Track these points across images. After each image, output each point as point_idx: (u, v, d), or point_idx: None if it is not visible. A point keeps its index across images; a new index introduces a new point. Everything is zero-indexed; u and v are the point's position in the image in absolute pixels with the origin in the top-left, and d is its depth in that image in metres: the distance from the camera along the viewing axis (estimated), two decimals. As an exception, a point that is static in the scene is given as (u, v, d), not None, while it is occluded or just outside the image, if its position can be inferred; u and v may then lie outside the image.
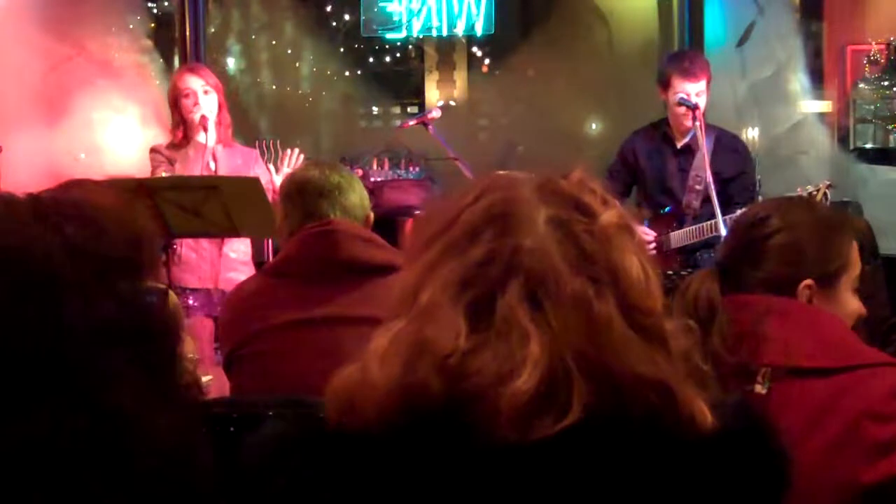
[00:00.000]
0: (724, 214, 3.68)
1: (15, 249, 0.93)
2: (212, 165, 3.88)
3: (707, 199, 3.95)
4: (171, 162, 3.89)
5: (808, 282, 1.68)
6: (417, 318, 1.02)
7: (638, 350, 1.00)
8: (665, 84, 4.00)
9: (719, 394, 1.08)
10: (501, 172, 1.12)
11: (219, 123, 3.92)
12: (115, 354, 0.93)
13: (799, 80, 6.51)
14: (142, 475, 0.91)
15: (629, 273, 1.02)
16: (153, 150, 4.02)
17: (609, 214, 1.04)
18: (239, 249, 3.93)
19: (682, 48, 5.89)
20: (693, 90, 3.92)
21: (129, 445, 0.91)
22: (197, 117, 3.85)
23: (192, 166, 3.82)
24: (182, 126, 3.92)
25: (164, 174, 3.82)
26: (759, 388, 1.56)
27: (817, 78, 6.69)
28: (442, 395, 0.97)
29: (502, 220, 1.03)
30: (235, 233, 3.48)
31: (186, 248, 3.85)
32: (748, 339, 1.60)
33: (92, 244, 0.96)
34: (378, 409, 1.00)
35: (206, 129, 3.83)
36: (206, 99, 3.89)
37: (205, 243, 3.83)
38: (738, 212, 3.62)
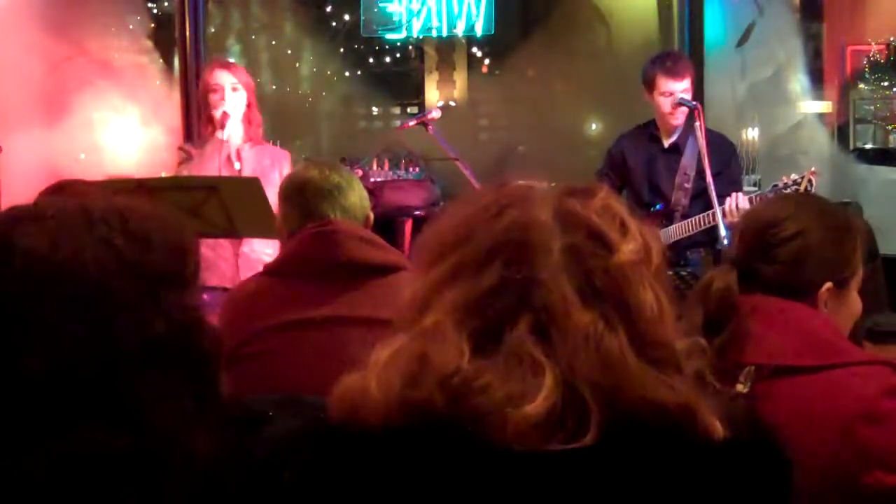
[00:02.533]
0: (711, 208, 3.78)
1: (69, 262, 0.90)
2: (236, 165, 3.85)
3: (695, 197, 4.02)
4: (190, 158, 3.86)
5: (829, 285, 1.67)
6: (420, 336, 1.01)
7: (652, 379, 0.99)
8: (650, 85, 4.04)
9: (728, 405, 1.08)
10: (520, 184, 1.09)
11: (247, 122, 3.88)
12: (162, 374, 0.90)
13: (799, 81, 6.51)
14: (178, 495, 0.89)
15: (642, 309, 1.01)
16: (179, 148, 4.00)
17: (626, 249, 1.02)
18: (262, 251, 3.85)
19: (682, 48, 5.89)
20: (678, 89, 3.96)
21: (167, 466, 0.89)
22: (218, 114, 3.81)
23: (207, 163, 3.76)
24: (211, 122, 3.88)
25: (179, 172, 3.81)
26: (741, 388, 1.56)
27: (817, 78, 6.69)
28: (446, 411, 0.97)
29: (517, 246, 1.01)
30: (236, 233, 3.47)
31: (205, 247, 3.81)
32: (735, 338, 1.60)
33: (142, 258, 0.93)
34: (378, 419, 1.00)
35: (223, 127, 3.79)
36: (233, 95, 3.85)
37: (223, 241, 3.77)
38: (728, 200, 3.69)
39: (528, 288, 0.99)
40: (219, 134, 3.80)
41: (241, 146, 3.88)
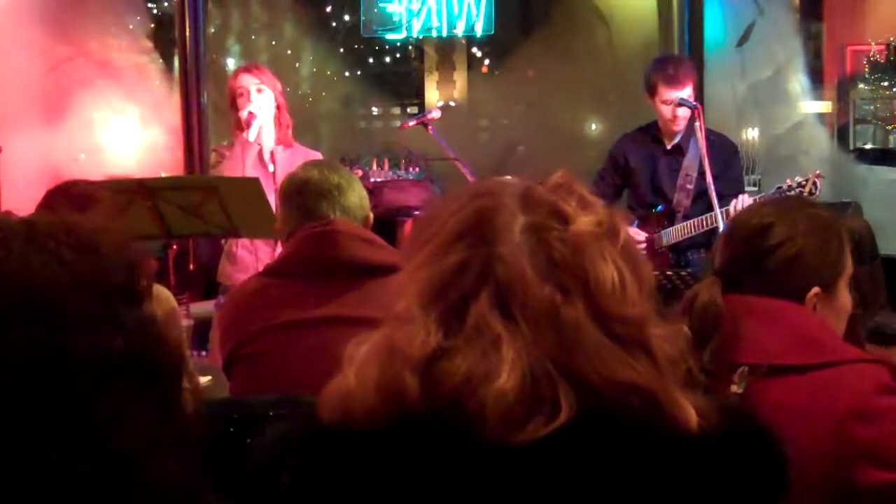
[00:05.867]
0: (712, 209, 3.77)
1: (17, 279, 0.85)
2: (270, 167, 3.83)
3: (697, 198, 4.02)
4: (223, 159, 3.86)
5: (816, 290, 1.67)
6: (392, 324, 1.04)
7: (613, 356, 0.99)
8: (651, 91, 4.04)
9: (714, 398, 1.08)
10: (493, 179, 1.12)
11: (278, 124, 3.88)
12: (124, 392, 0.86)
13: (799, 81, 6.52)
14: None
15: (601, 281, 1.01)
16: (213, 150, 4.02)
17: (584, 221, 1.04)
18: None
19: (682, 48, 5.89)
20: (679, 96, 3.95)
21: (135, 492, 0.84)
22: (244, 114, 3.80)
23: (235, 163, 3.76)
24: (239, 126, 3.87)
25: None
26: (735, 388, 1.56)
27: (817, 78, 6.71)
28: (420, 397, 0.98)
29: (480, 228, 1.04)
30: (236, 233, 3.48)
31: (242, 249, 3.83)
32: (728, 339, 1.60)
33: (93, 271, 0.89)
34: (365, 415, 1.01)
35: (249, 127, 3.78)
36: (258, 97, 3.84)
37: (259, 244, 3.79)
38: (733, 202, 3.69)
39: (489, 263, 1.01)
40: (245, 134, 3.79)
41: (274, 148, 3.87)
